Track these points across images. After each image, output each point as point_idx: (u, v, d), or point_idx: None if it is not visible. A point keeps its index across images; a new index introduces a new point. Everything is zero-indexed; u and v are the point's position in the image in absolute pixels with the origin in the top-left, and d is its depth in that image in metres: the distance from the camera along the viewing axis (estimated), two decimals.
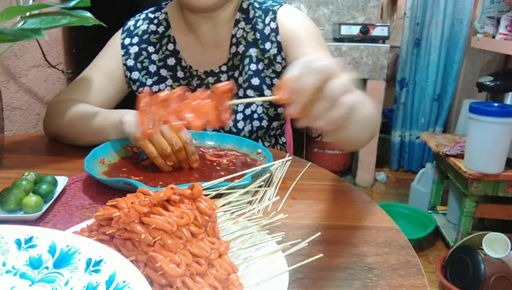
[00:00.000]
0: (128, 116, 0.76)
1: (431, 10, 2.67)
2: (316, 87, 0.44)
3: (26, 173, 0.63)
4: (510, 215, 1.77)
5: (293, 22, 0.91)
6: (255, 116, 0.93)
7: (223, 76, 0.94)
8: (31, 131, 1.55)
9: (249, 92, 0.92)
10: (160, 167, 0.72)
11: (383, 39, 2.52)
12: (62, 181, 0.66)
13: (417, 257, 0.51)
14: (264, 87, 0.92)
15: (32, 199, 0.57)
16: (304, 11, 2.77)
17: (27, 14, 0.74)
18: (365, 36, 2.48)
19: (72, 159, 0.81)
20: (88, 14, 0.75)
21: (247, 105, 0.93)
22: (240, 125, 0.93)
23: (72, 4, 0.76)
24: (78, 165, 0.76)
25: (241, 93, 0.93)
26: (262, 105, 0.93)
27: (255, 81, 0.92)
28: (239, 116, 0.92)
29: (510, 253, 1.51)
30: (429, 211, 2.16)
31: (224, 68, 0.94)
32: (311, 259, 0.45)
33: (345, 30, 2.49)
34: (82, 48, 1.71)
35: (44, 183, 0.61)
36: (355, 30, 2.48)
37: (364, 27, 2.47)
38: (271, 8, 0.93)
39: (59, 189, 0.64)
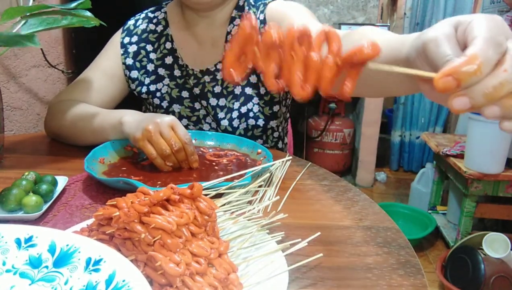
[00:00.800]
0: (128, 117, 0.75)
1: (431, 10, 2.68)
2: None
3: (26, 173, 0.63)
4: (510, 215, 1.77)
5: (280, 6, 0.91)
6: (251, 114, 0.92)
7: (219, 74, 0.94)
8: (31, 131, 1.55)
9: (247, 89, 0.93)
10: (159, 167, 0.72)
11: None
12: (62, 181, 0.66)
13: (416, 257, 0.51)
14: (260, 84, 0.93)
15: (32, 199, 0.57)
16: None
17: (27, 14, 0.74)
18: None
19: (72, 159, 0.81)
20: (89, 14, 0.75)
21: (243, 103, 0.92)
22: (235, 123, 0.93)
23: (72, 5, 0.76)
24: (78, 165, 0.76)
25: (237, 90, 0.93)
26: (258, 104, 0.93)
27: (253, 78, 0.93)
28: (235, 114, 0.92)
29: (510, 253, 1.51)
30: (429, 211, 2.16)
31: (219, 66, 0.94)
32: (310, 258, 0.45)
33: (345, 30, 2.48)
34: (82, 48, 1.71)
35: (44, 183, 0.61)
36: None
37: None
38: (263, 2, 0.94)
39: (59, 189, 0.64)
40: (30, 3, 1.04)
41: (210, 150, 0.84)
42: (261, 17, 0.92)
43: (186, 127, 0.95)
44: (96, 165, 0.71)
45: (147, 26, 0.97)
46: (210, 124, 0.95)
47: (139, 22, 0.98)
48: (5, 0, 1.31)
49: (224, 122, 0.93)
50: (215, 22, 0.93)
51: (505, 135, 1.57)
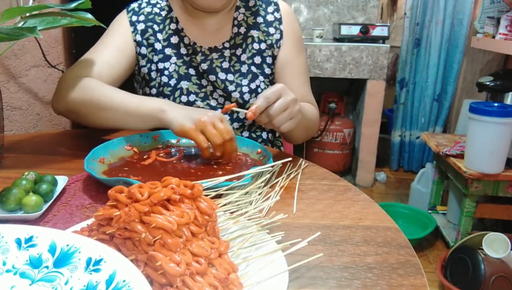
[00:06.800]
0: (168, 106, 0.78)
1: (431, 10, 2.67)
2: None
3: (26, 173, 0.63)
4: (510, 215, 1.77)
5: (292, 21, 1.04)
6: (259, 90, 0.98)
7: (227, 52, 0.99)
8: (31, 131, 1.55)
9: (253, 68, 0.99)
10: (205, 156, 0.75)
11: (383, 39, 2.52)
12: (62, 180, 0.66)
13: (416, 257, 0.52)
14: (265, 65, 1.00)
15: (32, 198, 0.57)
16: (304, 11, 2.78)
17: (27, 14, 0.74)
18: (365, 36, 2.48)
19: (72, 159, 0.81)
20: (88, 15, 0.75)
21: (252, 80, 0.98)
22: (246, 97, 0.97)
23: (72, 6, 0.76)
24: (78, 164, 0.76)
25: (244, 69, 0.98)
26: (263, 82, 0.99)
27: (258, 59, 1.00)
28: (245, 89, 0.97)
29: (510, 253, 1.51)
30: (429, 211, 2.16)
31: (227, 45, 0.99)
32: (310, 258, 0.45)
33: (345, 30, 2.49)
34: (82, 48, 1.70)
35: (44, 182, 0.61)
36: (355, 30, 2.48)
37: (364, 27, 2.47)
38: (271, 0, 1.04)
39: (59, 188, 0.64)
40: (30, 3, 1.04)
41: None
42: (277, 15, 1.02)
43: (194, 102, 0.97)
44: (96, 165, 0.71)
45: (151, 9, 1.00)
46: (217, 99, 0.98)
47: (143, 5, 1.01)
48: (5, 0, 1.31)
49: (235, 94, 0.97)
50: (219, 14, 0.98)
51: (505, 135, 1.57)
